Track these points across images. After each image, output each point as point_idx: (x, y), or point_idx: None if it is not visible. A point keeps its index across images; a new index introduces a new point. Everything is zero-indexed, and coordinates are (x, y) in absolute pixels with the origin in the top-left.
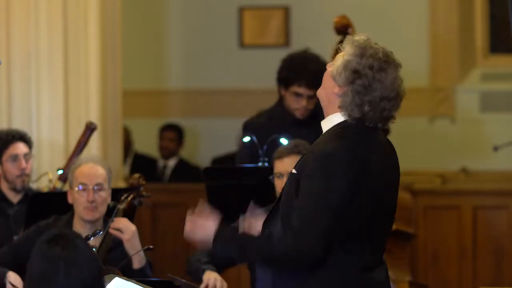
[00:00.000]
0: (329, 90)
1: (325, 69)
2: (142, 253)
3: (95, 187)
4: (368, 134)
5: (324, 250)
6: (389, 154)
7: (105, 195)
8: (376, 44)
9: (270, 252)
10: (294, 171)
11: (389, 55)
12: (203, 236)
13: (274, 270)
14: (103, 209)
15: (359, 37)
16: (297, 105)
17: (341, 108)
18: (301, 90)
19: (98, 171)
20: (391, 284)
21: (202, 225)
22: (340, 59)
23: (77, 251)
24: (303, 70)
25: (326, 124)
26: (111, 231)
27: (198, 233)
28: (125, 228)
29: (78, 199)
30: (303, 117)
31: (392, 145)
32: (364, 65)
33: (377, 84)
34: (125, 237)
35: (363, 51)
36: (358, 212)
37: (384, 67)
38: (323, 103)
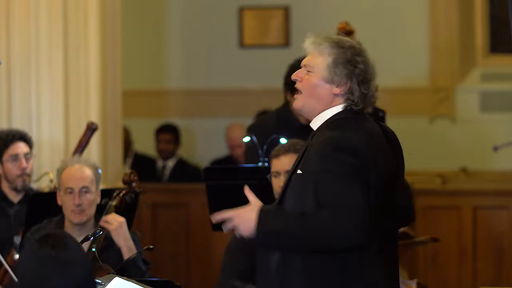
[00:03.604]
0: (325, 94)
1: None
2: (131, 244)
3: (82, 190)
4: (365, 121)
5: (366, 233)
6: (387, 140)
7: (92, 198)
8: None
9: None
10: (299, 171)
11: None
12: (246, 230)
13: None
14: (90, 212)
15: (321, 36)
16: None
17: (347, 102)
18: None
19: (84, 173)
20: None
21: (244, 218)
22: (317, 63)
23: (67, 250)
24: None
25: (317, 122)
26: (101, 223)
27: (241, 227)
28: (112, 220)
29: (66, 202)
30: (306, 123)
31: (391, 132)
32: (351, 54)
33: (367, 67)
34: (111, 227)
35: (341, 44)
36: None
37: (362, 50)
38: (310, 108)
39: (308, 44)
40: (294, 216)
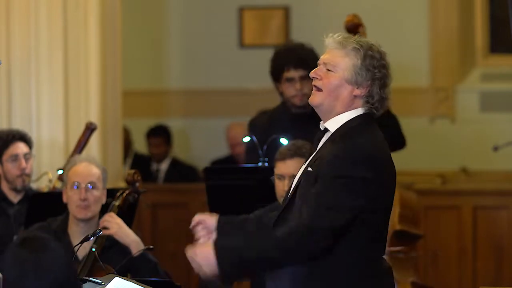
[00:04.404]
0: (345, 95)
1: (311, 51)
2: (137, 238)
3: (89, 186)
4: (376, 129)
5: (331, 240)
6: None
7: (98, 194)
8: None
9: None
10: (309, 169)
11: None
12: (207, 265)
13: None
14: (95, 208)
15: (347, 36)
16: (293, 91)
17: (366, 105)
18: (291, 73)
19: (91, 170)
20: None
21: (202, 255)
22: (340, 62)
23: (46, 253)
24: (287, 55)
25: (333, 125)
26: (101, 227)
27: (202, 265)
28: (109, 224)
29: (71, 197)
30: (303, 103)
31: None
32: (377, 58)
33: (388, 72)
34: (111, 231)
35: (367, 46)
36: (379, 210)
37: (385, 54)
38: (328, 106)
39: (332, 42)
40: (257, 236)
